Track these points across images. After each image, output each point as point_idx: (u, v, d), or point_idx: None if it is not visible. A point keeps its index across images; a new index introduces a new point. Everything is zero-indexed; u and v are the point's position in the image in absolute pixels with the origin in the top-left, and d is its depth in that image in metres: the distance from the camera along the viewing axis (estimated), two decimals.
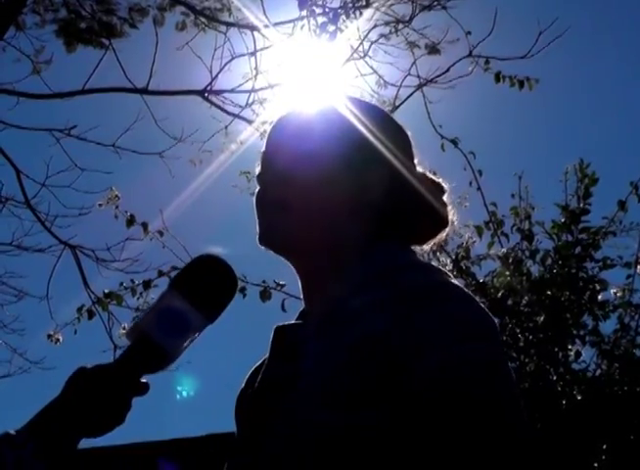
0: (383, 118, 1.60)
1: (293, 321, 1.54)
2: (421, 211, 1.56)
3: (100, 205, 7.12)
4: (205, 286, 1.46)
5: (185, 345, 1.44)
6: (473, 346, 1.29)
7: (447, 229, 1.61)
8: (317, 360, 1.35)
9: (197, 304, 1.43)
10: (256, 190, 1.56)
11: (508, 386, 1.31)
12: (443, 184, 1.62)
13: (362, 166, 1.51)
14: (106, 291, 6.67)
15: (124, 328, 7.11)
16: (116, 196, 6.90)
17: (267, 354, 1.52)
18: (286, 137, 1.54)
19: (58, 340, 7.60)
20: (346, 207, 1.50)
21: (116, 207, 6.86)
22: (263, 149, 1.59)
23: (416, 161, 1.61)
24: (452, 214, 1.61)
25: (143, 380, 1.43)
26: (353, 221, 1.50)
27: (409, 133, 1.63)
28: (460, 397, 1.25)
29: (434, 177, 1.62)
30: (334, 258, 1.48)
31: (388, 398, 1.27)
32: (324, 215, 1.49)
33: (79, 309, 6.78)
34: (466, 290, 1.38)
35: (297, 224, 1.48)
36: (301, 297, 1.56)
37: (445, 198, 1.61)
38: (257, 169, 1.58)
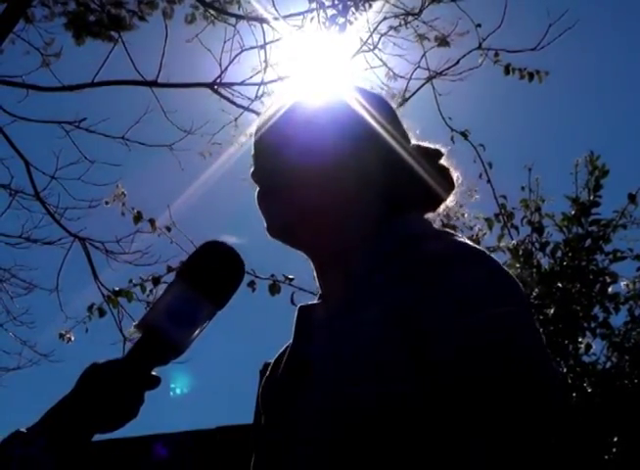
0: (376, 99, 1.63)
1: (316, 301, 1.55)
2: (420, 180, 1.58)
3: (106, 202, 7.10)
4: (212, 272, 1.44)
5: (195, 334, 1.43)
6: (497, 312, 1.26)
7: (456, 190, 1.62)
8: (343, 337, 1.35)
9: (204, 291, 1.42)
10: (259, 184, 1.56)
11: (536, 348, 1.28)
12: (440, 149, 1.63)
13: (364, 148, 1.54)
14: (116, 288, 6.66)
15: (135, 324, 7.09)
16: (123, 193, 6.88)
17: (292, 336, 1.53)
18: (292, 129, 1.55)
19: (70, 339, 7.58)
20: (354, 189, 1.52)
21: (123, 204, 6.84)
22: (261, 146, 1.58)
23: (410, 134, 1.63)
24: (456, 176, 1.62)
25: (154, 373, 1.42)
26: (362, 202, 1.52)
27: (393, 106, 1.66)
28: (485, 369, 1.22)
29: (428, 145, 1.63)
30: (349, 240, 1.49)
31: (417, 369, 1.26)
32: (335, 201, 1.50)
33: (90, 308, 6.78)
34: (486, 252, 1.36)
35: (311, 211, 1.50)
36: (316, 281, 1.56)
37: (444, 161, 1.62)
38: (256, 164, 1.58)
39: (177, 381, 1.43)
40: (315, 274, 1.56)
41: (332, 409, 1.30)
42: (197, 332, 1.43)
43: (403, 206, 1.55)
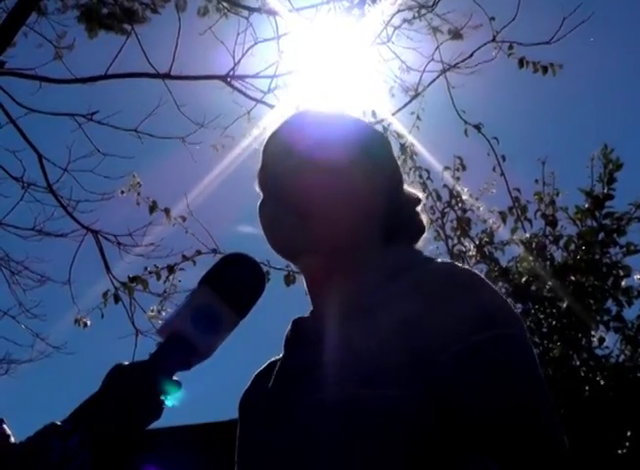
0: (384, 138, 1.70)
1: (307, 315, 1.57)
2: (411, 219, 1.64)
3: (122, 192, 7.10)
4: (237, 283, 1.48)
5: (219, 342, 1.46)
6: (499, 332, 1.32)
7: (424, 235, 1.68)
8: (344, 343, 1.37)
9: (230, 301, 1.45)
10: (263, 198, 1.58)
11: (534, 378, 1.33)
12: (420, 196, 1.69)
13: (373, 174, 1.57)
14: (131, 276, 6.69)
15: (151, 310, 7.11)
16: (138, 183, 6.87)
17: (283, 347, 1.55)
18: (305, 147, 1.57)
19: (85, 324, 7.60)
20: (362, 211, 1.54)
21: (138, 193, 6.84)
22: (268, 161, 1.60)
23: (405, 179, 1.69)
24: (426, 222, 1.69)
25: (175, 378, 1.44)
26: (367, 225, 1.55)
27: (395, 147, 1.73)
28: (486, 386, 1.28)
29: (411, 190, 1.69)
30: (352, 257, 1.52)
31: (417, 378, 1.29)
32: (345, 220, 1.53)
33: (105, 294, 6.80)
34: (484, 278, 1.42)
35: (320, 228, 1.51)
36: (309, 296, 1.58)
37: (419, 208, 1.68)
38: (263, 177, 1.60)
39: (171, 393, 1.44)
40: (310, 290, 1.57)
41: (337, 410, 1.31)
42: (220, 339, 1.46)
43: (393, 238, 1.58)
